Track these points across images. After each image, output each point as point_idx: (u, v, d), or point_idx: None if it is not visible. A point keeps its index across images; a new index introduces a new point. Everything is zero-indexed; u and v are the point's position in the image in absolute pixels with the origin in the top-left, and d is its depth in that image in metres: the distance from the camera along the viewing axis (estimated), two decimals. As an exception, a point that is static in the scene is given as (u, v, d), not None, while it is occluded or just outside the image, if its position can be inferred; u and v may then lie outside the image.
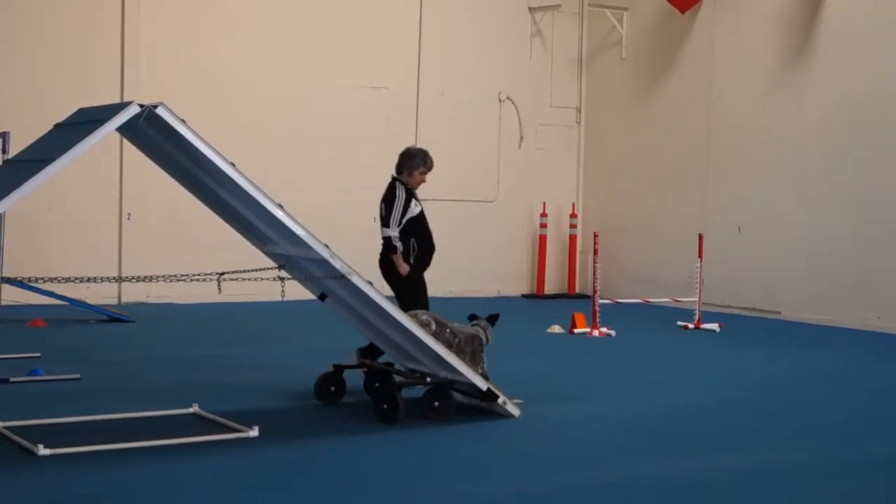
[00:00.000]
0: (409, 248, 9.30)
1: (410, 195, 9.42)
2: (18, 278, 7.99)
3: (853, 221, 14.32)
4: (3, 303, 9.43)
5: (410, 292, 9.19)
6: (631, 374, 10.40)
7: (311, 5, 16.17)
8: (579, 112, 18.43)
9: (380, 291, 7.73)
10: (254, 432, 7.15)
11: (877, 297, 13.97)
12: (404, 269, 9.21)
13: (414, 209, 9.37)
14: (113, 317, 13.02)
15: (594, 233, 13.79)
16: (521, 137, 17.92)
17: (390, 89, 16.76)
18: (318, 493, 6.08)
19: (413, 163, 9.54)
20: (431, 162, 9.68)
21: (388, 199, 9.36)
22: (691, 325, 13.70)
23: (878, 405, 9.15)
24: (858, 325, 14.01)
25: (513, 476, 6.55)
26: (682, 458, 7.08)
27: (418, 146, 9.78)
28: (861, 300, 14.13)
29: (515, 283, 17.82)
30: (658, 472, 6.68)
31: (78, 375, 9.21)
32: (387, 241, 9.25)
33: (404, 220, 9.26)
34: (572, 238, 18.18)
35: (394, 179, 9.52)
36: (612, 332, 12.91)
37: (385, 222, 9.28)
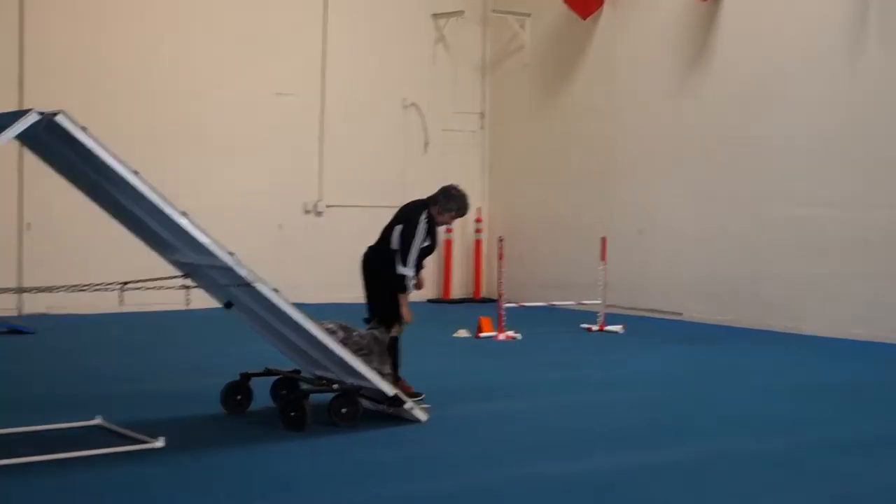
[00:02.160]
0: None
1: (430, 229, 8.83)
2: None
3: (750, 223, 14.66)
4: None
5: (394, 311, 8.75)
6: (537, 376, 10.53)
7: (214, 11, 16.05)
8: (483, 117, 18.56)
9: (286, 299, 7.73)
10: (159, 443, 7.10)
11: (774, 297, 14.31)
12: (408, 315, 8.73)
13: (425, 243, 8.81)
14: (13, 329, 12.78)
15: (499, 237, 13.91)
16: (426, 143, 18.00)
17: (295, 95, 16.72)
18: (224, 503, 6.06)
19: (450, 205, 8.93)
20: (466, 212, 9.18)
21: (409, 226, 8.73)
22: (595, 327, 13.90)
23: (775, 402, 9.39)
24: (757, 325, 14.33)
25: (421, 479, 6.60)
26: (588, 457, 7.19)
27: (461, 189, 9.08)
28: (759, 300, 14.47)
29: (422, 288, 17.86)
30: (564, 471, 6.78)
31: (-23, 389, 9.05)
32: (398, 278, 8.68)
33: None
34: (478, 242, 18.31)
35: (423, 205, 8.93)
36: (518, 336, 13.04)
37: (399, 252, 8.69)
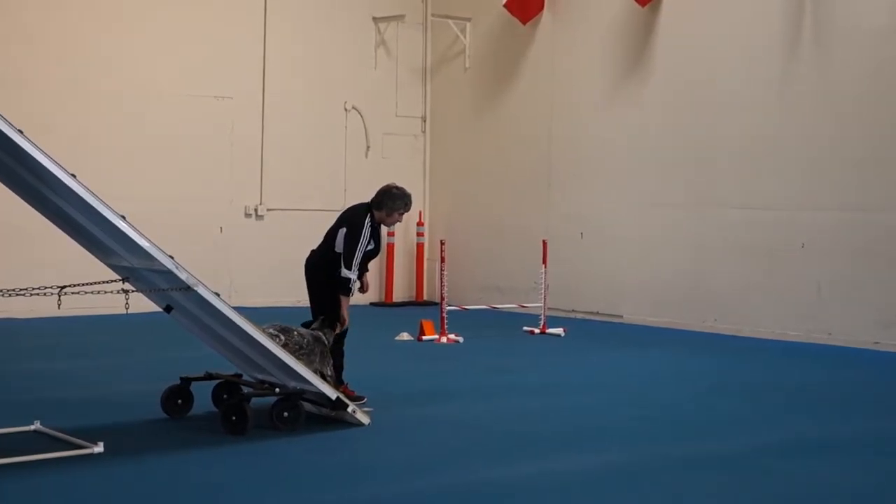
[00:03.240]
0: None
1: (374, 232, 8.88)
2: None
3: (690, 225, 14.82)
4: None
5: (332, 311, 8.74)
6: (479, 379, 10.56)
7: (152, 12, 15.93)
8: (424, 121, 18.58)
9: (226, 302, 7.68)
10: (99, 448, 7.02)
11: (713, 300, 14.48)
12: (345, 318, 8.70)
13: (368, 246, 8.82)
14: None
15: (441, 240, 13.95)
16: (368, 147, 17.98)
17: (234, 98, 16.63)
18: (165, 508, 6.02)
19: (396, 204, 9.02)
20: (411, 206, 9.30)
21: (353, 229, 8.77)
22: (537, 330, 13.96)
23: (714, 403, 9.49)
24: (696, 327, 14.49)
25: (362, 484, 6.60)
26: (527, 461, 7.22)
27: (399, 186, 9.20)
28: (698, 303, 14.62)
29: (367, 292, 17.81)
30: (503, 475, 6.80)
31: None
32: (342, 281, 8.67)
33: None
34: (419, 246, 18.32)
35: (367, 208, 8.98)
36: (460, 339, 13.07)
37: (343, 255, 8.71)
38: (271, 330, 8.22)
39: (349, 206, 9.35)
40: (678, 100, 14.97)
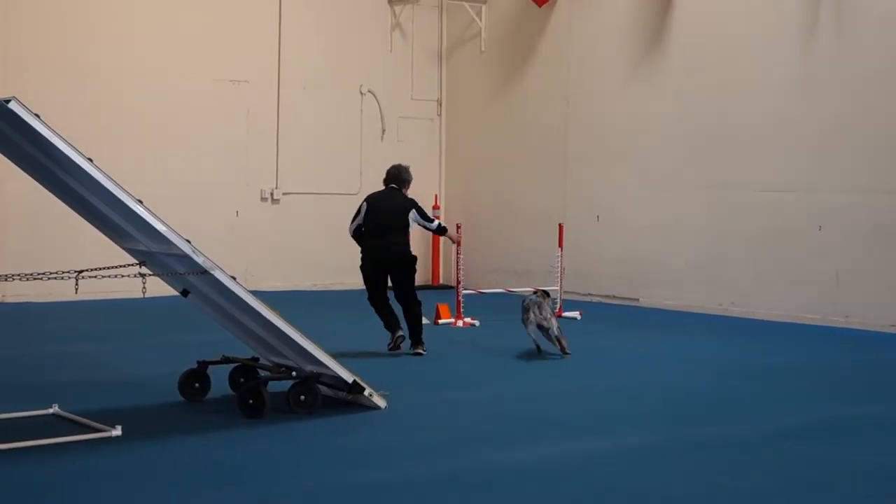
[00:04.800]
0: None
1: None
2: None
3: (707, 209, 14.77)
4: None
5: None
6: (494, 362, 10.56)
7: (168, -3, 15.96)
8: (440, 105, 18.56)
9: (243, 286, 7.69)
10: (116, 431, 7.05)
11: (729, 283, 14.44)
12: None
13: None
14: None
15: (457, 224, 13.93)
16: (383, 130, 17.97)
17: (250, 82, 16.64)
18: (183, 491, 6.03)
19: (410, 179, 11.29)
20: None
21: (418, 205, 11.11)
22: (553, 314, 13.93)
23: (734, 386, 9.47)
24: (713, 311, 14.45)
25: (379, 466, 6.61)
26: (543, 444, 7.22)
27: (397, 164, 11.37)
28: (715, 286, 14.58)
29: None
30: (519, 458, 6.81)
31: (-70, 378, 8.95)
32: (441, 228, 11.51)
33: None
34: (435, 229, 18.29)
35: (399, 190, 11.11)
36: (476, 322, 13.06)
37: (429, 217, 11.24)
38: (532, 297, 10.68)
39: (381, 191, 11.18)
40: (694, 82, 14.90)
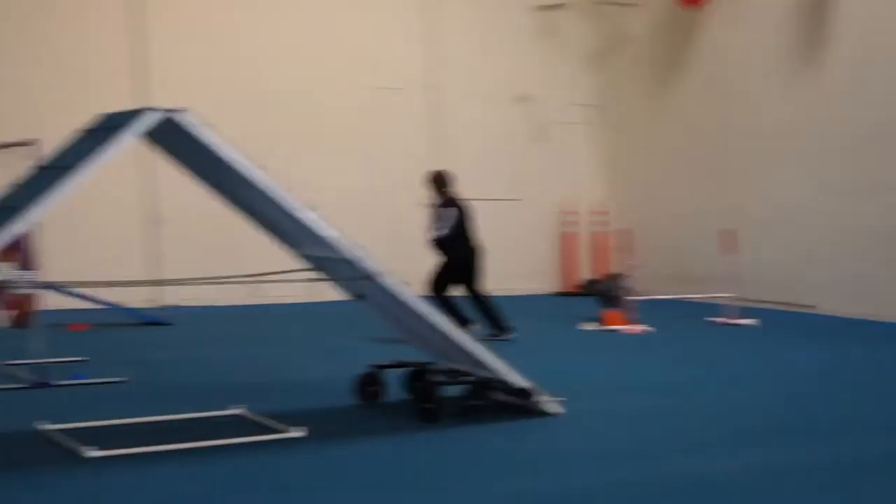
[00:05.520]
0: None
1: None
2: (59, 283, 8.11)
3: (885, 211, 14.26)
4: (46, 307, 9.57)
5: None
6: (665, 370, 10.44)
7: (324, 6, 16.28)
8: (597, 109, 18.40)
9: (414, 292, 7.79)
10: (299, 433, 7.23)
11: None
12: None
13: None
14: (151, 320, 13.15)
15: (626, 229, 13.82)
16: (540, 136, 17.92)
17: (405, 90, 16.82)
18: (363, 493, 6.15)
19: None
20: None
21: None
22: (726, 321, 13.70)
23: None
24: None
25: (551, 474, 6.59)
26: (717, 455, 7.08)
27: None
28: (896, 293, 14.07)
29: (544, 281, 17.85)
30: (692, 470, 6.70)
31: (122, 378, 9.34)
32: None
33: None
34: (601, 235, 18.20)
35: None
36: (647, 329, 12.94)
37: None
38: None
39: (448, 200, 12.21)
40: (860, 82, 14.38)
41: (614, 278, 13.98)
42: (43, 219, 7.14)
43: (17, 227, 6.65)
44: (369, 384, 8.53)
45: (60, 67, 14.60)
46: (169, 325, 12.99)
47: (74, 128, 7.76)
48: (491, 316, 12.13)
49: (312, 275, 8.10)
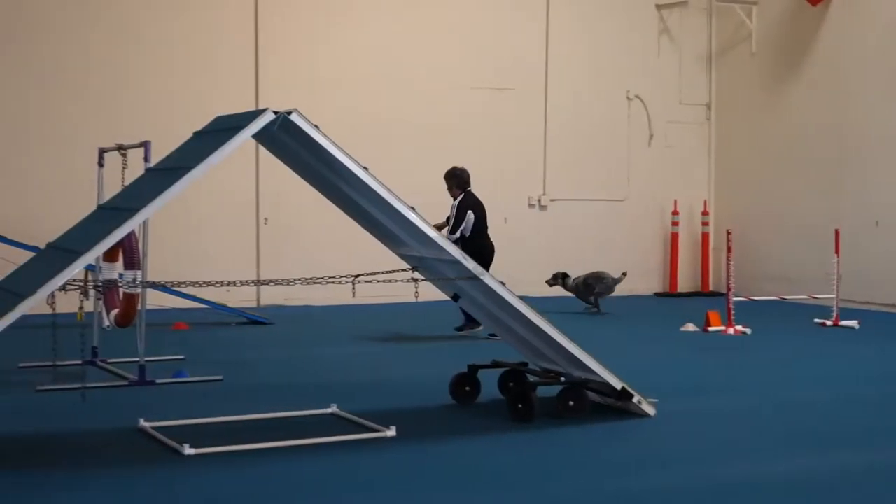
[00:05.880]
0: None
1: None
2: (162, 283, 8.28)
3: None
4: (148, 307, 9.78)
5: None
6: (768, 371, 10.26)
7: (436, 7, 16.31)
8: (709, 109, 18.21)
9: (512, 291, 7.78)
10: (391, 432, 7.27)
11: None
12: None
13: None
14: (252, 319, 13.34)
15: (727, 230, 13.63)
16: (651, 135, 17.78)
17: (516, 90, 16.81)
18: (455, 493, 6.15)
19: None
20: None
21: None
22: (829, 322, 13.42)
23: None
24: None
25: (649, 474, 6.54)
26: (818, 456, 6.96)
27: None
28: None
29: (647, 282, 17.69)
30: (797, 470, 6.59)
31: (220, 377, 9.49)
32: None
33: None
34: (705, 235, 17.98)
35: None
36: (748, 330, 12.74)
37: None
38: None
39: (467, 198, 12.09)
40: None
41: (593, 277, 14.37)
42: (149, 218, 7.29)
43: (126, 228, 6.80)
44: (464, 384, 8.53)
45: (176, 73, 14.87)
46: (270, 324, 13.16)
47: (189, 130, 7.95)
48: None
49: (412, 275, 8.14)
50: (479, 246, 11.80)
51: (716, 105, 18.18)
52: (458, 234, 11.80)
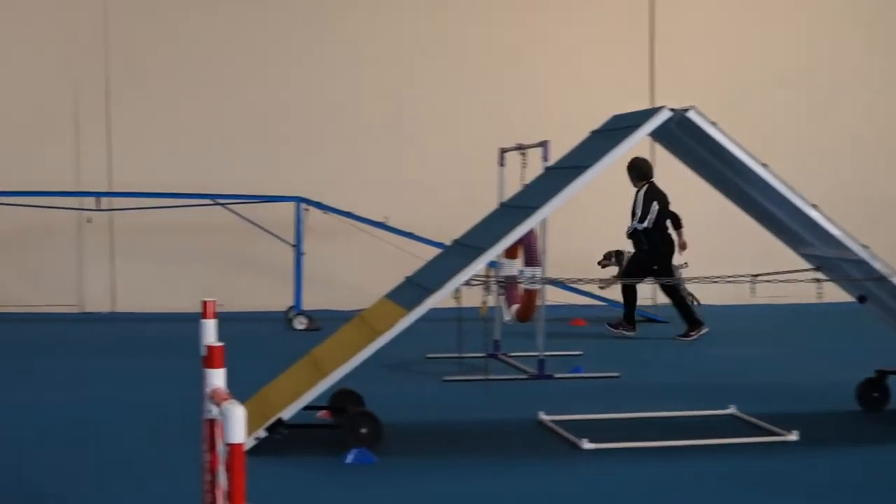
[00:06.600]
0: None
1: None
2: (561, 279, 8.45)
3: None
4: (548, 302, 10.01)
5: None
6: None
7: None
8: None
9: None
10: (793, 436, 7.04)
11: None
12: None
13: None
14: (648, 317, 13.31)
15: None
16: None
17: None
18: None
19: None
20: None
21: None
22: None
23: None
24: None
25: None
26: None
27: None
28: None
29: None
30: None
31: (617, 374, 9.56)
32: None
33: None
34: None
35: None
36: None
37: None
38: None
39: (650, 190, 11.85)
40: None
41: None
42: (548, 216, 7.47)
43: (527, 225, 7.01)
44: (872, 390, 8.12)
45: (573, 73, 15.15)
46: (665, 322, 13.09)
47: (587, 129, 8.09)
48: (684, 310, 11.89)
49: (815, 275, 7.87)
50: (661, 238, 11.83)
51: None
52: (646, 224, 11.69)
